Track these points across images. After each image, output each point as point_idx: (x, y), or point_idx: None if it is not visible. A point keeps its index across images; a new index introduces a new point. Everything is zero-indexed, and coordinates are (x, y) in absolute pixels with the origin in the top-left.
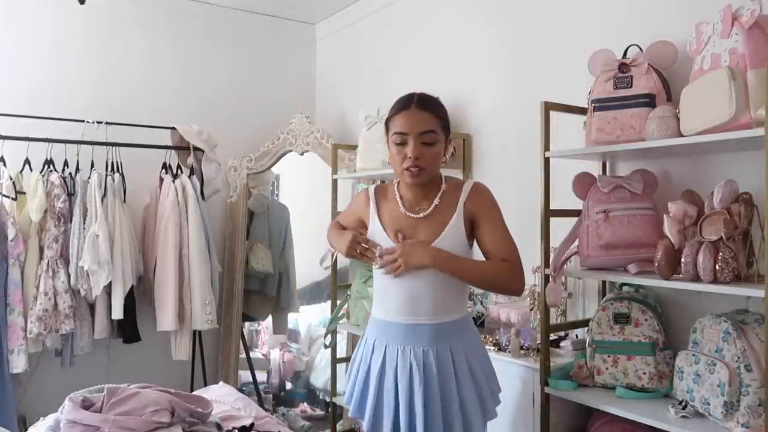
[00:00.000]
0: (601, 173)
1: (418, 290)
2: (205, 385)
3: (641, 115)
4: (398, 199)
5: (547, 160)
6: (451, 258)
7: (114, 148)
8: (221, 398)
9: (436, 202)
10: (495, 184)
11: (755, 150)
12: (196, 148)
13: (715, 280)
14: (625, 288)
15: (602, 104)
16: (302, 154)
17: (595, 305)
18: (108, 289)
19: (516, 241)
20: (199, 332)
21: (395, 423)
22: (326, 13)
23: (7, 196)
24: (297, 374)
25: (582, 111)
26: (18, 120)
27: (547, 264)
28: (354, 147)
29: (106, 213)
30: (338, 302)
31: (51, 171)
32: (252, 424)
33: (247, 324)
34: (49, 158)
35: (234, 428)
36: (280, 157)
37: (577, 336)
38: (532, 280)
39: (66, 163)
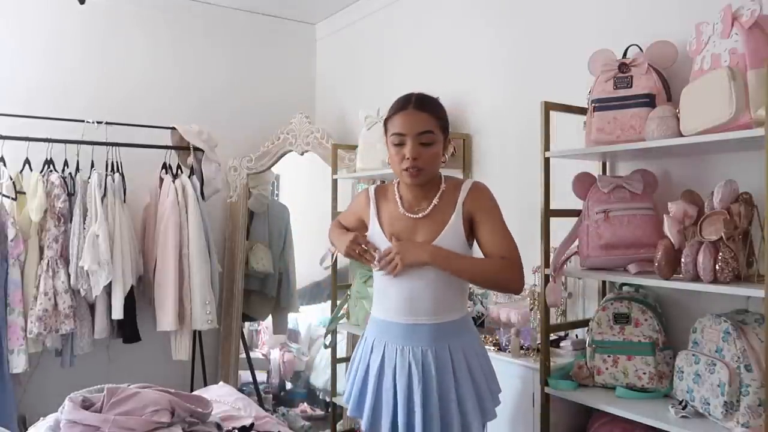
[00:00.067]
0: (601, 173)
1: (418, 290)
2: (205, 385)
3: (641, 115)
4: (398, 199)
5: (547, 160)
6: (450, 255)
7: (114, 148)
8: (221, 398)
9: (435, 202)
10: (495, 184)
11: (755, 150)
12: (196, 148)
13: (715, 280)
14: (625, 288)
15: (602, 104)
16: (302, 154)
17: (595, 305)
18: (108, 289)
19: (516, 241)
20: (199, 332)
21: (394, 422)
22: (326, 13)
23: (7, 196)
24: (297, 374)
25: (582, 111)
26: (18, 120)
27: (547, 264)
28: (354, 147)
29: (106, 213)
30: (338, 302)
31: (51, 171)
32: (252, 424)
33: (247, 324)
34: (49, 158)
35: (234, 428)
36: (280, 157)
37: (577, 336)
38: (532, 280)
39: (66, 163)
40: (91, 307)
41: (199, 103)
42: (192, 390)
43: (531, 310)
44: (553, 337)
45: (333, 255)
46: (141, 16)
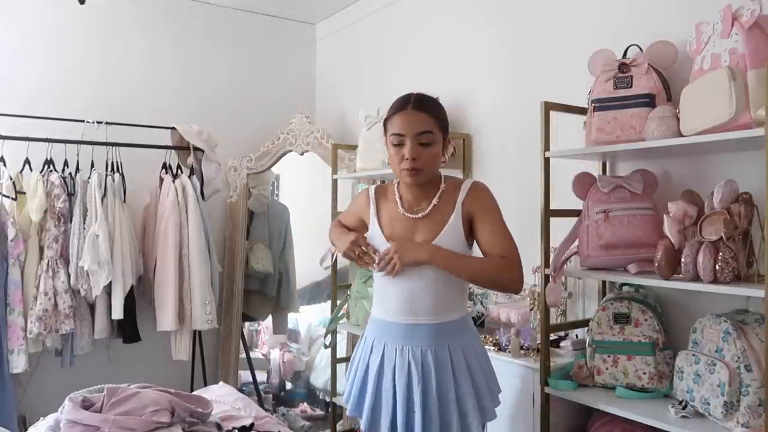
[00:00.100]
0: (601, 173)
1: (418, 290)
2: (205, 385)
3: (641, 115)
4: (397, 199)
5: (547, 160)
6: (449, 254)
7: (114, 148)
8: (221, 398)
9: (434, 202)
10: (495, 184)
11: (755, 150)
12: (196, 148)
13: (715, 280)
14: (625, 288)
15: (602, 104)
16: (302, 154)
17: (595, 305)
18: (108, 289)
19: (516, 241)
20: (199, 332)
21: (393, 422)
22: (326, 13)
23: (7, 196)
24: (297, 374)
25: (582, 111)
26: (18, 120)
27: (547, 264)
28: (354, 147)
29: (106, 213)
30: (338, 302)
31: (51, 171)
32: (252, 424)
33: (247, 324)
34: (49, 158)
35: (234, 428)
36: (280, 157)
37: (577, 336)
38: (532, 280)
39: (66, 163)
40: (91, 307)
41: (199, 103)
42: (192, 390)
43: (531, 310)
44: (553, 337)
45: (333, 255)
46: (141, 16)
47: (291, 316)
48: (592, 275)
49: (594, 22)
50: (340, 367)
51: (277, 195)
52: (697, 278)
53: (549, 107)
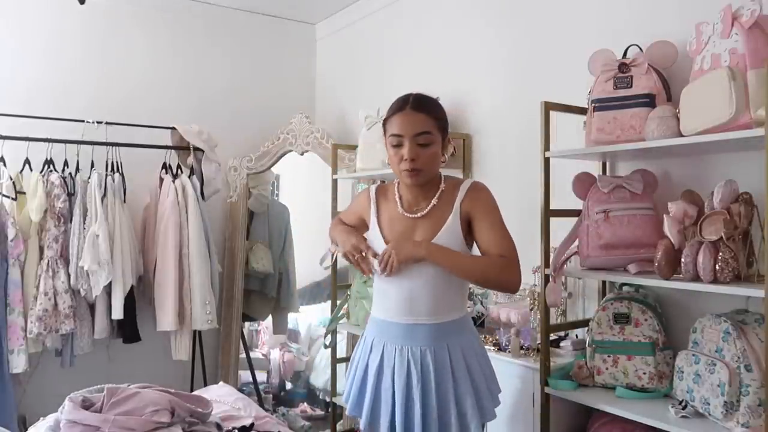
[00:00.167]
0: (601, 173)
1: (417, 290)
2: (205, 385)
3: (641, 115)
4: (397, 199)
5: (547, 160)
6: (447, 251)
7: (114, 148)
8: (221, 398)
9: (434, 202)
10: (495, 184)
11: (755, 150)
12: (196, 148)
13: (715, 280)
14: (625, 288)
15: (602, 104)
16: (302, 154)
17: (595, 305)
18: (108, 289)
19: (516, 241)
20: (199, 332)
21: (392, 422)
22: (326, 13)
23: (7, 196)
24: (297, 374)
25: (582, 111)
26: (18, 120)
27: (547, 264)
28: (354, 147)
29: (106, 213)
30: (338, 302)
31: (51, 171)
32: (252, 424)
33: (247, 324)
34: (49, 158)
35: (234, 428)
36: (280, 157)
37: (577, 336)
38: (532, 280)
39: (66, 163)
40: (91, 307)
41: (199, 103)
42: (192, 390)
43: (531, 310)
44: (553, 337)
45: (333, 255)
46: (141, 16)
47: (291, 316)
48: (592, 275)
49: (594, 22)
50: (340, 367)
51: (277, 195)
52: (697, 278)
53: (549, 107)
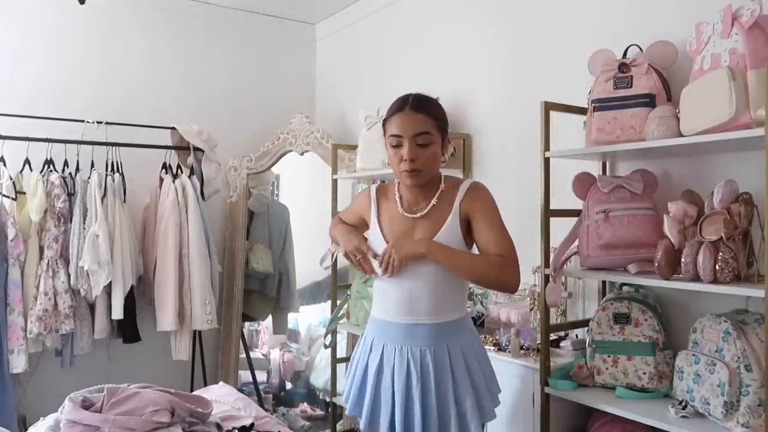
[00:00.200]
0: (601, 173)
1: (417, 290)
2: (205, 385)
3: (641, 115)
4: (397, 199)
5: (547, 160)
6: (446, 248)
7: (114, 148)
8: (221, 398)
9: (433, 202)
10: (495, 184)
11: (755, 150)
12: (196, 148)
13: (715, 280)
14: (625, 288)
15: (602, 104)
16: (302, 154)
17: (595, 305)
18: (108, 289)
19: (516, 241)
20: (199, 332)
21: (391, 421)
22: (326, 13)
23: (7, 196)
24: (297, 374)
25: (582, 111)
26: (18, 120)
27: (547, 264)
28: (354, 147)
29: (106, 213)
30: (338, 302)
31: (51, 171)
32: (252, 424)
33: (247, 324)
34: (49, 158)
35: (234, 428)
36: (280, 157)
37: (577, 336)
38: (532, 280)
39: (66, 163)
40: (91, 307)
41: (199, 103)
42: (192, 390)
43: (531, 310)
44: (553, 337)
45: (333, 255)
46: (141, 16)
47: (291, 316)
48: (592, 275)
49: (594, 22)
50: (340, 367)
51: (277, 195)
52: (697, 278)
53: (549, 107)
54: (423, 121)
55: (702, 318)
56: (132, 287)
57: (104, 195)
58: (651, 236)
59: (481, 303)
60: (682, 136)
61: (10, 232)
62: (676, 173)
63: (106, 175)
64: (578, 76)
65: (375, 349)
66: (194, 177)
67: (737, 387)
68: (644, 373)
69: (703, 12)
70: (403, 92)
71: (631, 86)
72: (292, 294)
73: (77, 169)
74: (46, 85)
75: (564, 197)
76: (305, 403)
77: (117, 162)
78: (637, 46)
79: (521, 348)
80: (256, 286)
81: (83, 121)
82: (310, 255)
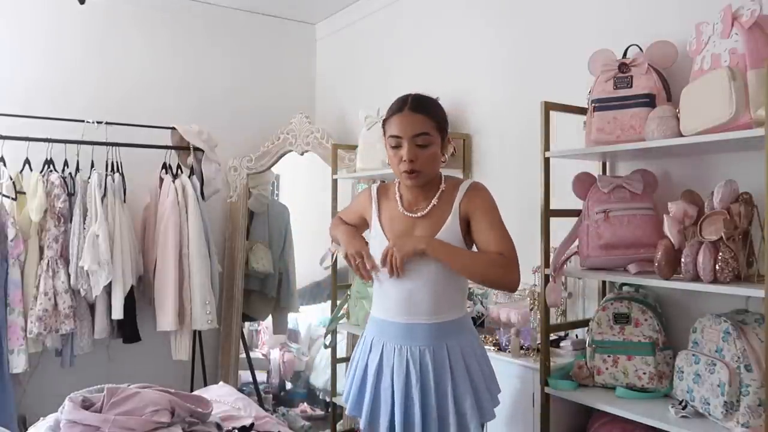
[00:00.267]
0: (601, 173)
1: (417, 290)
2: (205, 385)
3: (641, 115)
4: (398, 198)
5: (547, 160)
6: (447, 246)
7: (114, 148)
8: (221, 398)
9: (434, 202)
10: (495, 184)
11: (755, 150)
12: (196, 148)
13: (715, 280)
14: (625, 288)
15: (602, 104)
16: (302, 154)
17: (595, 305)
18: (108, 289)
19: (516, 241)
20: (199, 332)
21: (391, 421)
22: (326, 13)
23: (7, 196)
24: (297, 374)
25: (582, 111)
26: (18, 120)
27: (547, 264)
28: (354, 147)
29: (106, 213)
30: (338, 302)
31: (51, 171)
32: (252, 424)
33: (247, 324)
34: (49, 158)
35: (234, 428)
36: (280, 157)
37: (577, 336)
38: (532, 280)
39: (66, 163)
40: (91, 307)
41: (199, 103)
42: (192, 390)
43: (531, 310)
44: (553, 337)
45: (333, 255)
46: (141, 16)
47: (291, 316)
48: (592, 275)
49: (594, 22)
50: (340, 367)
51: (277, 195)
52: (697, 278)
53: (549, 107)
54: (422, 121)
55: (702, 318)
56: (132, 287)
57: (104, 195)
58: (651, 236)
59: (481, 303)
60: (682, 136)
61: (10, 232)
62: (676, 173)
63: (106, 175)
64: (578, 76)
65: (375, 349)
66: (194, 177)
67: (737, 387)
68: (644, 373)
69: (703, 12)
70: (403, 92)
71: (631, 86)
72: (292, 294)
73: (77, 169)
74: (46, 85)
75: (564, 197)
76: (305, 403)
77: (117, 162)
78: (637, 46)
79: (521, 348)
80: (256, 286)
81: (83, 121)
82: (310, 255)
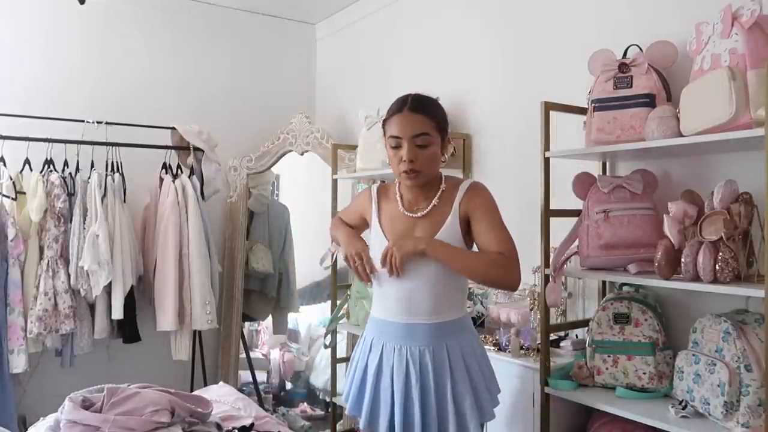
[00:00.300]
0: (601, 173)
1: (417, 290)
2: (205, 385)
3: (641, 115)
4: (398, 198)
5: (547, 160)
6: (447, 246)
7: (114, 148)
8: (221, 398)
9: (434, 202)
10: (495, 184)
11: (755, 150)
12: (196, 148)
13: (715, 280)
14: (625, 288)
15: (602, 104)
16: (302, 154)
17: (595, 305)
18: (108, 289)
19: (516, 241)
20: (199, 332)
21: (391, 421)
22: (326, 13)
23: (7, 196)
24: (297, 374)
25: (582, 111)
26: (18, 120)
27: (547, 264)
28: (354, 147)
29: (106, 213)
30: (338, 302)
31: (51, 171)
32: (252, 424)
33: (247, 324)
34: (49, 158)
35: (234, 428)
36: (280, 157)
37: (577, 336)
38: (532, 280)
39: (66, 163)
40: (91, 307)
41: (199, 103)
42: (192, 390)
43: (531, 310)
44: (553, 337)
45: (333, 255)
46: (141, 16)
47: (291, 316)
48: (592, 275)
49: (594, 22)
50: (340, 367)
51: (277, 195)
52: (697, 278)
53: (549, 107)
54: (422, 122)
55: (702, 318)
56: (132, 287)
57: (104, 195)
58: (651, 236)
59: (481, 303)
60: (682, 136)
61: (10, 232)
62: (676, 173)
63: (106, 175)
64: (578, 76)
65: (374, 349)
66: (194, 177)
67: (737, 387)
68: (644, 373)
69: (703, 12)
70: (403, 92)
71: (631, 86)
72: (292, 294)
73: (77, 169)
74: (46, 85)
75: (564, 197)
76: (305, 403)
77: (117, 162)
78: (637, 46)
79: (521, 348)
80: (256, 286)
81: (83, 121)
82: (310, 255)
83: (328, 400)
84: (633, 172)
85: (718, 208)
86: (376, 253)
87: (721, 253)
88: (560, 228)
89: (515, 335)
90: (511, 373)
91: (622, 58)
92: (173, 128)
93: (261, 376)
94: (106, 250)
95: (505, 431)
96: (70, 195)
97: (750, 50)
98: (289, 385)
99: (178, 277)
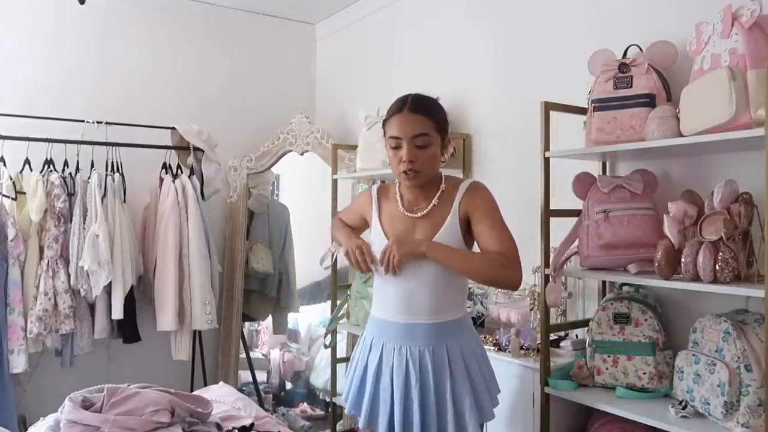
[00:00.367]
0: (601, 173)
1: (417, 290)
2: (205, 385)
3: (641, 115)
4: (398, 198)
5: (547, 160)
6: (447, 247)
7: (114, 148)
8: (221, 398)
9: (434, 202)
10: (495, 184)
11: (755, 150)
12: (196, 148)
13: (715, 280)
14: (625, 288)
15: (602, 104)
16: (302, 154)
17: (595, 305)
18: (108, 289)
19: (516, 241)
20: (199, 332)
21: (390, 421)
22: (326, 13)
23: (7, 196)
24: (297, 374)
25: (582, 111)
26: (17, 120)
27: (547, 264)
28: (354, 147)
29: (106, 213)
30: (338, 302)
31: (51, 171)
32: (252, 424)
33: (247, 324)
34: (49, 158)
35: (234, 428)
36: (280, 157)
37: (577, 336)
38: (532, 280)
39: (66, 163)
40: (91, 307)
41: (199, 103)
42: (192, 390)
43: (531, 310)
44: (553, 337)
45: (333, 255)
46: (141, 16)
47: (291, 316)
48: (592, 275)
49: (594, 22)
50: (340, 367)
51: (277, 195)
52: (697, 278)
53: (549, 107)
54: (421, 122)
55: (702, 318)
56: (132, 287)
57: (104, 195)
58: (651, 236)
59: (481, 303)
60: (682, 136)
61: (10, 232)
62: (676, 173)
63: (106, 175)
64: (578, 76)
65: (374, 349)
66: (194, 177)
67: (737, 387)
68: (644, 373)
69: (703, 12)
70: (403, 92)
71: (631, 86)
72: (292, 294)
73: (77, 169)
74: (46, 85)
75: (564, 197)
76: (305, 403)
77: (117, 162)
78: (637, 46)
79: (521, 348)
80: (256, 286)
81: (83, 121)
82: (310, 255)
83: (328, 400)
84: (633, 172)
85: (718, 208)
86: (376, 254)
87: (721, 253)
88: (560, 228)
89: (515, 335)
90: (511, 373)
91: (622, 58)
92: (173, 128)
93: (261, 376)
94: (106, 250)
95: (504, 431)
96: (70, 195)
97: (750, 50)
98: (289, 385)
99: (178, 277)
